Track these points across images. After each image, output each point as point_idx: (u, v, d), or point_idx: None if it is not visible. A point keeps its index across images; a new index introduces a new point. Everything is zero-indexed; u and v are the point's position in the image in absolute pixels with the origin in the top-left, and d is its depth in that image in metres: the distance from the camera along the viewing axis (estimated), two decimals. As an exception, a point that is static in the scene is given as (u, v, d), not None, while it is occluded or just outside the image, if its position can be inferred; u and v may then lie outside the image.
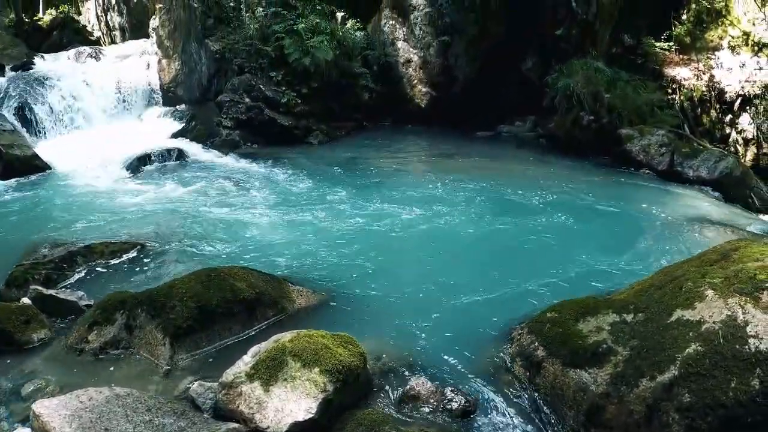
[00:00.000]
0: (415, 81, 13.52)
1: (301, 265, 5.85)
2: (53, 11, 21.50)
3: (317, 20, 12.68)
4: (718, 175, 10.07)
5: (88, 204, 8.07)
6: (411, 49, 13.46)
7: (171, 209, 7.75)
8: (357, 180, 9.12)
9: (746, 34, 11.80)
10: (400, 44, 13.57)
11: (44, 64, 14.06)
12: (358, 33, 13.28)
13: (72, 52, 15.06)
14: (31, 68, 13.47)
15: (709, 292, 3.56)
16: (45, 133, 11.84)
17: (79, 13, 21.87)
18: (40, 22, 20.12)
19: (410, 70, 13.53)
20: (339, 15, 13.36)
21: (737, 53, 11.79)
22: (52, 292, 4.95)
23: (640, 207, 8.40)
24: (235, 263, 5.54)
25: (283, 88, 12.13)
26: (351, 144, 11.83)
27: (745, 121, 11.68)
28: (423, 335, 4.56)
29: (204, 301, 4.40)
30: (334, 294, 5.24)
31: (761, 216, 9.35)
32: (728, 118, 11.88)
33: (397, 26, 13.59)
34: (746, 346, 3.16)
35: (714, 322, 3.36)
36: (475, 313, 4.96)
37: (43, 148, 10.75)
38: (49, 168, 10.03)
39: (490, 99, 12.87)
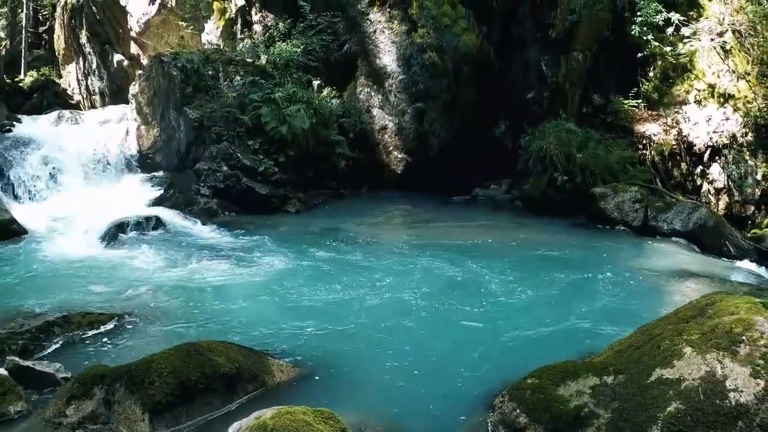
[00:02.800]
0: (391, 147, 13.74)
1: (280, 337, 5.82)
2: (35, 73, 21.75)
3: (294, 89, 12.93)
4: (692, 227, 10.25)
5: (65, 272, 7.98)
6: (386, 116, 13.74)
7: (148, 280, 7.67)
8: (334, 250, 9.09)
9: (711, 87, 12.16)
10: (375, 111, 13.85)
11: (24, 126, 14.13)
12: (334, 101, 13.53)
13: (52, 115, 15.20)
14: (11, 130, 13.51)
15: (687, 350, 3.62)
16: (22, 197, 11.81)
17: (60, 77, 22.16)
18: (21, 84, 20.31)
19: (386, 136, 13.77)
20: (315, 83, 13.65)
21: (704, 106, 12.15)
22: (29, 363, 4.86)
23: (617, 264, 8.52)
24: (213, 336, 5.51)
25: (261, 157, 12.24)
26: (328, 212, 11.91)
27: (715, 171, 11.91)
28: (404, 406, 4.55)
29: (183, 377, 4.36)
30: (314, 366, 5.21)
31: (738, 263, 9.53)
32: (699, 169, 12.10)
33: (373, 94, 13.89)
34: (726, 401, 3.21)
35: (693, 379, 3.41)
36: (456, 382, 4.96)
37: (19, 212, 10.66)
38: (26, 233, 9.94)
39: (466, 163, 13.11)
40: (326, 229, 10.53)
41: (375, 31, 13.73)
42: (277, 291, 7.23)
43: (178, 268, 8.19)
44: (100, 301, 6.77)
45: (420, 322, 6.41)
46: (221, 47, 15.38)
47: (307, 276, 7.82)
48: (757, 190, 11.47)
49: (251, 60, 13.89)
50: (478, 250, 8.95)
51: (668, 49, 12.54)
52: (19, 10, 23.79)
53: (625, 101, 12.95)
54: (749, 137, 11.59)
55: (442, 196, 13.03)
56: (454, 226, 10.90)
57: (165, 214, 11.03)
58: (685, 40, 12.33)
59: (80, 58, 20.92)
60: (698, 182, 12.13)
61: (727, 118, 11.81)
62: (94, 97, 20.79)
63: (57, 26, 22.14)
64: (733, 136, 11.71)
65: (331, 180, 13.13)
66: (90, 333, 5.85)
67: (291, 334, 5.91)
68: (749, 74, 11.81)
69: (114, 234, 9.94)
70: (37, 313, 6.11)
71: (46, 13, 24.13)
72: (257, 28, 15.46)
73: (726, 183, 11.77)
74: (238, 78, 13.33)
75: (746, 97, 11.72)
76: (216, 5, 16.19)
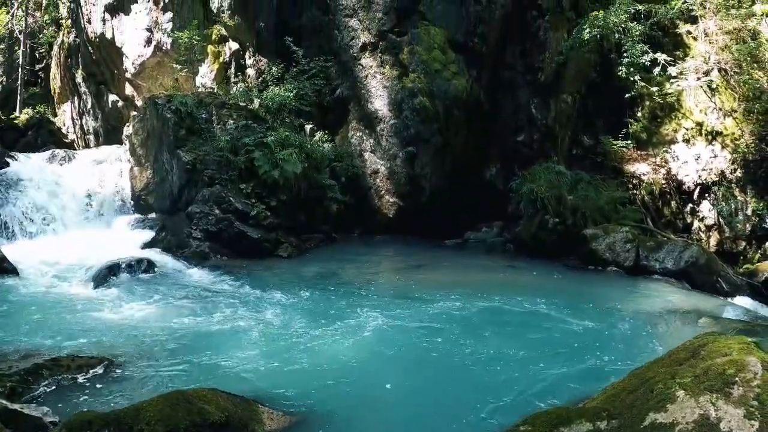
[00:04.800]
0: (383, 191, 13.78)
1: (271, 385, 5.74)
2: (30, 111, 21.92)
3: (286, 133, 13.02)
4: (684, 265, 10.31)
5: (55, 313, 7.90)
6: (378, 160, 13.81)
7: (138, 323, 7.61)
8: (326, 296, 9.02)
9: (699, 125, 12.34)
10: (367, 155, 13.92)
11: (18, 164, 14.14)
12: (326, 145, 13.64)
13: (46, 153, 15.26)
14: (4, 168, 13.53)
15: (680, 393, 3.61)
16: (14, 235, 11.77)
17: (55, 115, 22.36)
18: (16, 121, 20.44)
19: (378, 180, 13.82)
20: (308, 127, 13.79)
21: (692, 144, 12.30)
22: (17, 406, 4.77)
23: (610, 306, 8.52)
24: (203, 382, 5.46)
25: (253, 201, 12.25)
26: (320, 257, 11.85)
27: (705, 208, 12.03)
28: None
29: (172, 425, 4.30)
30: (306, 414, 5.14)
31: (730, 299, 9.57)
32: (689, 207, 12.23)
33: (364, 138, 13.99)
34: (721, 444, 3.20)
35: (687, 423, 3.39)
36: (450, 429, 4.91)
37: (10, 251, 10.57)
38: (17, 272, 9.86)
39: (457, 207, 13.18)
40: (318, 274, 10.48)
41: (367, 76, 13.92)
42: (267, 337, 7.16)
43: (168, 312, 8.11)
44: (90, 343, 6.69)
45: (411, 369, 6.36)
46: (215, 90, 15.57)
47: (299, 322, 7.75)
48: (747, 225, 11.58)
49: (244, 104, 14.04)
50: (469, 295, 8.89)
51: (655, 89, 12.77)
52: (16, 47, 24.05)
53: (615, 142, 13.12)
54: (738, 173, 11.75)
55: (435, 240, 13.03)
56: (446, 271, 10.84)
57: (157, 256, 11.00)
58: (672, 80, 12.58)
59: (75, 97, 21.13)
60: (689, 220, 12.23)
61: (716, 156, 11.99)
62: (88, 136, 20.93)
63: (53, 65, 22.42)
64: (722, 173, 11.86)
65: (323, 224, 13.11)
66: (79, 376, 5.76)
67: (282, 382, 5.84)
68: (736, 111, 12.03)
69: (105, 275, 9.88)
70: (25, 355, 6.03)
71: (42, 51, 24.40)
72: (251, 72, 15.68)
73: (716, 219, 11.88)
74: (231, 121, 13.44)
75: (734, 133, 11.92)
76: (210, 49, 16.43)
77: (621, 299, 8.94)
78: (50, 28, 23.77)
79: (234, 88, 15.32)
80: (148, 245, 11.72)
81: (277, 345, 6.91)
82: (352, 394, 5.60)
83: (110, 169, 14.39)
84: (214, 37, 16.34)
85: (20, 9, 24.27)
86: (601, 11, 13.24)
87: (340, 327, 7.51)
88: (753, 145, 11.66)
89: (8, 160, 14.10)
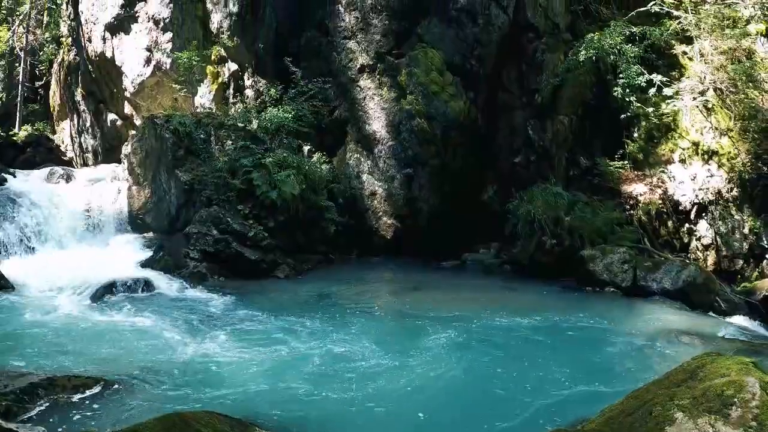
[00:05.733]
0: (381, 213, 13.78)
1: (267, 407, 5.72)
2: (29, 128, 21.99)
3: (284, 154, 13.06)
4: (681, 285, 10.31)
5: (52, 331, 7.90)
6: (376, 182, 13.82)
7: (135, 343, 7.59)
8: (323, 318, 8.98)
9: (695, 144, 12.34)
10: (365, 177, 13.94)
11: (16, 181, 14.18)
12: (324, 166, 13.66)
13: (44, 171, 15.30)
14: (3, 185, 13.56)
15: (678, 415, 3.60)
16: (11, 252, 11.74)
17: (54, 132, 22.43)
18: (15, 137, 20.49)
19: (375, 202, 13.82)
20: (306, 148, 13.80)
21: (689, 164, 12.32)
22: (12, 426, 4.77)
23: (608, 327, 8.52)
24: (199, 403, 5.45)
25: (251, 222, 12.24)
26: (317, 278, 11.80)
27: (702, 227, 11.99)
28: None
29: (169, 446, 4.27)
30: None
31: (728, 318, 9.57)
32: (686, 226, 12.18)
33: (362, 159, 14.03)
34: (719, 468, 3.19)
35: (685, 447, 3.39)
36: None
37: (7, 267, 10.59)
38: (13, 288, 9.88)
39: (455, 228, 13.15)
40: (315, 295, 10.46)
41: (365, 98, 14.01)
42: (264, 359, 7.13)
43: (164, 333, 8.09)
44: (86, 363, 6.68)
45: (408, 392, 6.32)
46: (214, 111, 15.63)
47: (295, 344, 7.72)
48: (744, 244, 11.56)
49: (243, 124, 14.06)
50: (467, 318, 8.87)
51: (651, 109, 12.83)
52: (17, 64, 24.19)
53: (611, 163, 13.13)
54: (734, 192, 11.77)
55: (432, 261, 13.01)
56: (444, 293, 10.79)
57: (154, 276, 11.00)
58: (668, 101, 12.63)
59: (75, 116, 21.19)
60: (686, 239, 12.22)
61: (712, 175, 12.01)
62: (86, 154, 20.96)
63: (53, 82, 22.54)
64: (719, 192, 11.88)
65: (321, 245, 13.08)
66: (75, 397, 5.75)
67: (279, 404, 5.82)
68: (732, 130, 12.08)
69: (102, 295, 9.90)
70: (21, 374, 6.01)
71: (43, 68, 24.57)
72: (249, 93, 15.77)
73: (713, 239, 11.87)
74: (230, 142, 13.49)
75: (730, 153, 11.95)
76: (209, 69, 16.53)
77: (619, 320, 8.93)
78: (51, 46, 23.98)
79: (233, 109, 15.39)
80: (145, 264, 11.67)
81: (274, 367, 6.88)
82: (347, 417, 5.58)
83: (108, 188, 14.39)
84: (213, 57, 16.46)
85: (21, 26, 24.46)
86: (596, 33, 13.37)
87: (336, 349, 7.49)
88: (749, 164, 11.69)
89: (7, 177, 14.14)
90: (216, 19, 16.03)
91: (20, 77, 23.54)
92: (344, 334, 8.16)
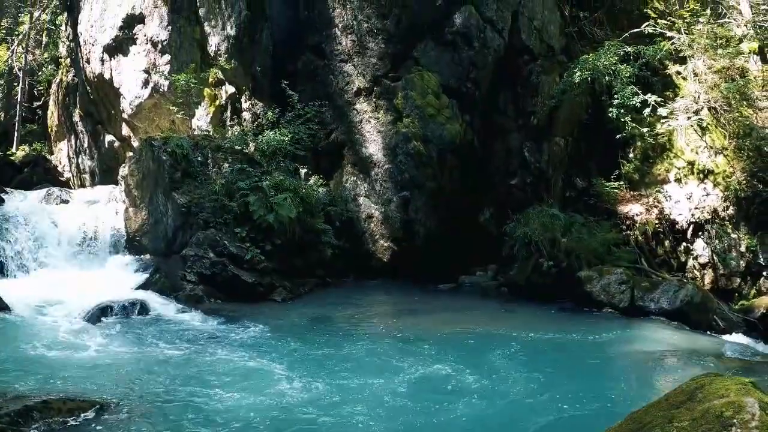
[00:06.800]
0: (377, 236, 13.77)
1: (263, 432, 5.66)
2: (27, 148, 22.02)
3: (281, 177, 13.07)
4: (679, 304, 10.33)
5: (46, 353, 7.83)
6: (372, 205, 13.84)
7: (131, 367, 7.54)
8: (320, 342, 8.91)
9: (691, 164, 12.42)
10: (361, 200, 13.96)
11: (13, 201, 14.16)
12: (320, 189, 13.68)
13: (41, 192, 15.26)
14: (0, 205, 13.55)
15: (678, 438, 3.58)
16: (7, 273, 11.72)
17: (52, 153, 22.48)
18: (12, 157, 20.50)
19: (372, 225, 13.82)
20: (302, 171, 13.84)
21: (685, 183, 12.38)
22: (6, 450, 4.71)
23: (606, 348, 8.51)
24: (195, 429, 5.41)
25: (248, 244, 12.22)
26: (314, 302, 11.76)
27: (699, 246, 12.03)
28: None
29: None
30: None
31: (726, 337, 9.58)
32: (683, 246, 12.23)
33: (359, 182, 14.07)
34: (720, 491, 3.16)
35: (685, 470, 3.36)
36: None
37: (2, 288, 10.51)
38: (9, 309, 9.79)
39: (451, 251, 13.15)
40: (312, 319, 10.42)
41: (361, 121, 14.09)
42: (260, 383, 7.06)
43: (161, 357, 8.04)
44: (80, 386, 6.62)
45: (405, 418, 6.25)
46: (211, 133, 15.68)
47: (292, 368, 7.63)
48: (741, 262, 11.61)
49: (240, 147, 14.12)
50: (465, 341, 8.84)
51: (646, 129, 12.93)
52: (15, 84, 24.30)
53: (607, 183, 13.20)
54: (730, 210, 11.83)
55: (429, 284, 12.96)
56: (441, 315, 10.74)
57: (150, 298, 10.94)
58: (663, 120, 12.74)
59: (72, 136, 21.25)
60: (683, 259, 12.25)
61: (708, 194, 12.08)
62: (84, 175, 20.99)
63: (51, 103, 22.64)
64: (715, 211, 11.94)
65: (318, 268, 13.04)
66: (70, 421, 5.69)
67: (275, 430, 5.76)
68: (726, 149, 12.17)
69: (98, 317, 9.85)
70: (16, 396, 5.97)
71: (41, 88, 24.68)
72: (246, 115, 15.83)
73: (710, 257, 11.90)
74: (227, 165, 13.51)
75: (725, 171, 12.03)
76: (207, 92, 16.61)
77: (617, 341, 8.92)
78: (49, 67, 24.11)
79: (230, 132, 15.45)
80: (141, 287, 11.64)
81: (270, 391, 6.81)
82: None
83: (105, 209, 14.37)
84: (210, 80, 16.55)
85: (20, 46, 24.61)
86: (591, 54, 13.50)
87: (333, 373, 7.43)
88: (744, 182, 11.77)
89: (3, 196, 14.14)
90: (214, 41, 16.16)
91: (18, 97, 23.64)
92: (341, 359, 8.09)
